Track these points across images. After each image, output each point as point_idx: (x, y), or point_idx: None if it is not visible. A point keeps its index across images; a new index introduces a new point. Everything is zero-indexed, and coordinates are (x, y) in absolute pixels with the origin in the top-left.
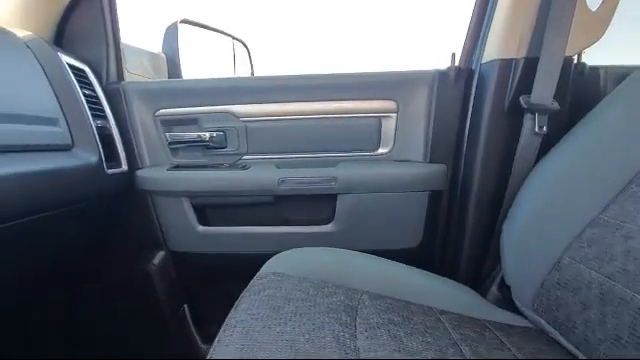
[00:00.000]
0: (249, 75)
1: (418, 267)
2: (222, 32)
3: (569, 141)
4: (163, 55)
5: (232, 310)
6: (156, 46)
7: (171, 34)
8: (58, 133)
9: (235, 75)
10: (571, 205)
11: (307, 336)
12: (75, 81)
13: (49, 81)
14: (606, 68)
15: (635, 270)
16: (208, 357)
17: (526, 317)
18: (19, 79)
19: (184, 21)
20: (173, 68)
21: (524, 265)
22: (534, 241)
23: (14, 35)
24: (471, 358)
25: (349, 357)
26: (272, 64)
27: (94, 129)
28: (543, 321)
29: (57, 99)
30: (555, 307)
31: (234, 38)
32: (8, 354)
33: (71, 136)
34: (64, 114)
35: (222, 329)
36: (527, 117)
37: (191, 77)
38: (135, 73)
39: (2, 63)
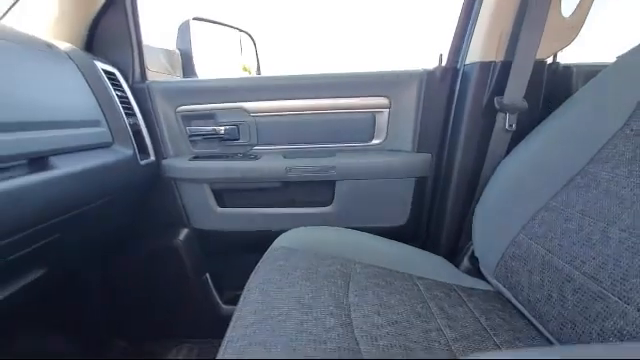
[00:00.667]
0: (256, 63)
1: (405, 242)
2: (230, 26)
3: (533, 137)
4: (177, 51)
5: (251, 276)
6: (157, 40)
7: (184, 31)
8: (101, 133)
9: (242, 63)
10: (529, 192)
11: (310, 294)
12: (109, 84)
13: (90, 87)
14: (578, 66)
15: (568, 246)
16: (236, 312)
17: (489, 282)
18: (66, 88)
19: (196, 18)
20: (187, 63)
21: (489, 241)
22: (498, 221)
23: (57, 48)
24: (434, 311)
25: (342, 310)
26: (276, 54)
27: (128, 126)
28: (500, 285)
29: (97, 102)
30: (510, 274)
31: (241, 30)
32: (61, 316)
33: (111, 134)
34: (104, 115)
35: (245, 290)
36: (499, 116)
37: (203, 70)
38: (154, 70)
39: (50, 75)
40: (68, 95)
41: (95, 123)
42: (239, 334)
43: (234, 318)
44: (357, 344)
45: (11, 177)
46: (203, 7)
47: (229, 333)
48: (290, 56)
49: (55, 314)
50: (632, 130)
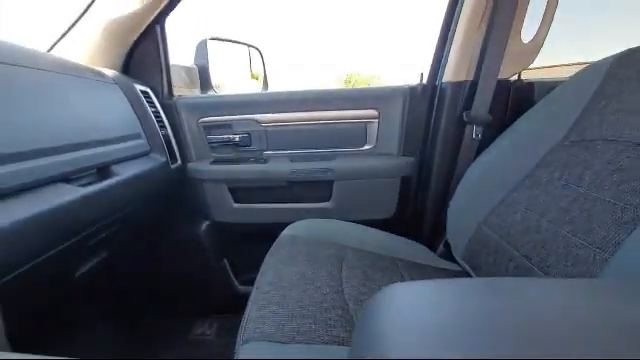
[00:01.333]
0: (263, 72)
1: (392, 232)
2: (240, 42)
3: (495, 145)
4: (195, 67)
5: (266, 258)
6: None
7: (201, 49)
8: (142, 144)
9: (251, 72)
10: (489, 192)
11: (312, 271)
12: (145, 102)
13: (132, 106)
14: (539, 83)
15: (513, 233)
16: (255, 284)
17: (459, 264)
18: (116, 109)
19: (212, 38)
20: (204, 77)
21: (459, 230)
22: (467, 214)
23: (106, 75)
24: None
25: (336, 282)
26: (280, 62)
27: (161, 137)
28: (466, 266)
29: (138, 118)
30: (473, 256)
31: (250, 45)
32: (108, 295)
33: (149, 144)
34: (143, 129)
35: (261, 269)
36: (468, 127)
37: (218, 81)
38: (177, 85)
39: (105, 100)
40: (118, 114)
41: (137, 136)
42: (260, 298)
43: (255, 288)
44: (346, 304)
45: (88, 184)
46: (211, 25)
47: (252, 298)
48: (291, 62)
49: (105, 292)
50: (570, 141)
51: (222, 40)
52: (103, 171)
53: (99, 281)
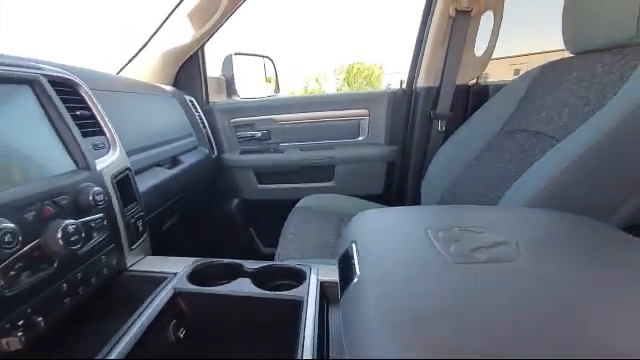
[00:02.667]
0: (275, 78)
1: (380, 204)
2: (257, 55)
3: (454, 135)
4: (223, 77)
5: (286, 223)
6: None
7: (227, 62)
8: (193, 140)
9: (266, 77)
10: (451, 169)
11: (319, 230)
12: (192, 108)
13: (185, 113)
14: (492, 85)
15: (464, 198)
16: (280, 239)
17: None
18: (175, 116)
19: (236, 53)
20: (230, 85)
21: (430, 199)
22: (435, 187)
23: (164, 89)
24: None
25: (337, 233)
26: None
27: (204, 134)
28: None
29: (189, 121)
30: None
31: (264, 57)
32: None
33: (197, 140)
34: (193, 129)
35: (283, 230)
36: (435, 122)
37: (240, 86)
38: (210, 93)
39: (168, 109)
40: (177, 119)
41: (189, 135)
42: (285, 244)
43: (280, 240)
44: None
45: (168, 168)
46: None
47: (280, 243)
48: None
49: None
50: (504, 131)
51: (243, 54)
52: (175, 160)
53: (171, 237)
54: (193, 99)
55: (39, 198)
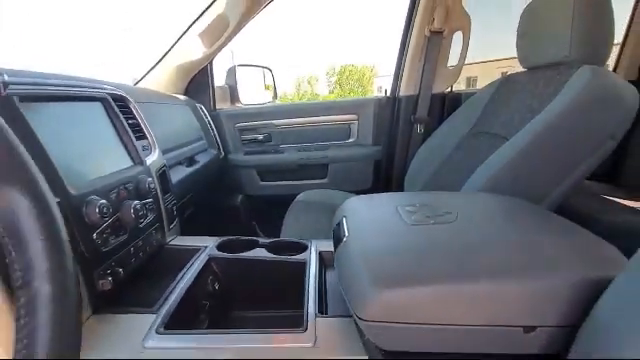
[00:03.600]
0: (273, 85)
1: None
2: (257, 65)
3: (431, 137)
4: (227, 86)
5: (285, 216)
6: None
7: (231, 73)
8: (203, 143)
9: (265, 85)
10: (429, 166)
11: (315, 221)
12: (202, 114)
13: (196, 119)
14: (464, 93)
15: (435, 189)
16: (283, 227)
17: None
18: (188, 121)
19: (239, 65)
20: (233, 93)
21: (412, 190)
22: (415, 182)
23: (179, 98)
24: None
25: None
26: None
27: (212, 137)
28: None
29: (200, 126)
30: None
31: (263, 67)
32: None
33: (207, 143)
34: (203, 133)
35: (284, 224)
36: (415, 126)
37: (242, 94)
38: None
39: (183, 116)
40: (190, 124)
41: (201, 138)
42: (287, 231)
43: (282, 229)
44: None
45: (187, 167)
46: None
47: (282, 230)
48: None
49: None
50: (472, 134)
51: (245, 65)
52: (191, 159)
53: (189, 224)
54: (202, 106)
55: (117, 185)
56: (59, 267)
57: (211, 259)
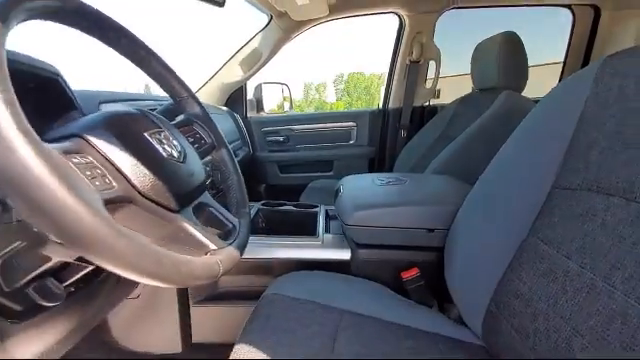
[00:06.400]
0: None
1: None
2: (277, 82)
3: (414, 139)
4: (254, 99)
5: (300, 199)
6: None
7: (258, 89)
8: (239, 143)
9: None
10: (410, 161)
11: (320, 201)
12: (238, 121)
13: (235, 125)
14: (439, 105)
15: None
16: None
17: None
18: (230, 126)
19: (264, 82)
20: (259, 105)
21: None
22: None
23: (222, 109)
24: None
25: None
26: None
27: (245, 138)
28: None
29: (237, 130)
30: None
31: (282, 84)
32: None
33: (241, 143)
34: (239, 135)
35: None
36: (400, 131)
37: (266, 104)
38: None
39: (226, 122)
40: (231, 129)
41: (238, 139)
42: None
43: None
44: None
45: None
46: None
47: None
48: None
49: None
50: (442, 137)
51: (268, 83)
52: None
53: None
54: (237, 115)
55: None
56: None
57: (259, 210)
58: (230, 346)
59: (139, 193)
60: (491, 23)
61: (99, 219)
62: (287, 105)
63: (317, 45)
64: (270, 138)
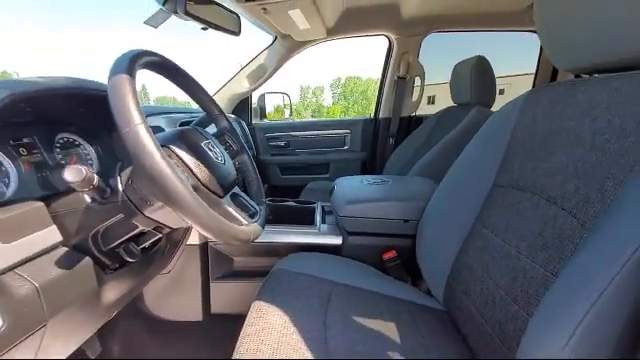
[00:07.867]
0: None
1: None
2: (279, 92)
3: (401, 146)
4: (258, 107)
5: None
6: None
7: (261, 98)
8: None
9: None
10: (397, 165)
11: (316, 199)
12: (244, 127)
13: (242, 131)
14: (424, 116)
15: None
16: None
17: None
18: (241, 132)
19: (267, 92)
20: (262, 112)
21: None
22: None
23: (231, 117)
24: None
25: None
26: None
27: (250, 143)
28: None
29: (243, 135)
30: None
31: (283, 93)
32: None
33: (247, 147)
34: (246, 140)
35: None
36: (389, 139)
37: (269, 111)
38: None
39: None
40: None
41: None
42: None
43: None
44: None
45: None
46: None
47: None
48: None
49: None
50: (424, 145)
51: (271, 92)
52: None
53: None
54: (243, 122)
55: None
56: None
57: (267, 204)
58: (243, 317)
59: (201, 184)
60: (476, 39)
61: (193, 197)
62: (287, 112)
63: (316, 51)
64: (272, 143)
